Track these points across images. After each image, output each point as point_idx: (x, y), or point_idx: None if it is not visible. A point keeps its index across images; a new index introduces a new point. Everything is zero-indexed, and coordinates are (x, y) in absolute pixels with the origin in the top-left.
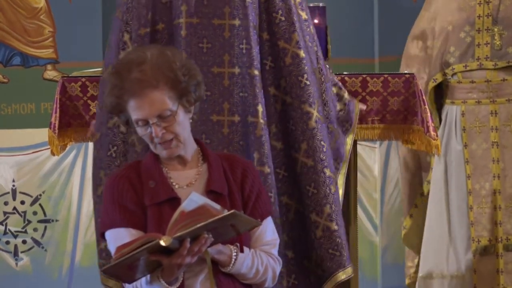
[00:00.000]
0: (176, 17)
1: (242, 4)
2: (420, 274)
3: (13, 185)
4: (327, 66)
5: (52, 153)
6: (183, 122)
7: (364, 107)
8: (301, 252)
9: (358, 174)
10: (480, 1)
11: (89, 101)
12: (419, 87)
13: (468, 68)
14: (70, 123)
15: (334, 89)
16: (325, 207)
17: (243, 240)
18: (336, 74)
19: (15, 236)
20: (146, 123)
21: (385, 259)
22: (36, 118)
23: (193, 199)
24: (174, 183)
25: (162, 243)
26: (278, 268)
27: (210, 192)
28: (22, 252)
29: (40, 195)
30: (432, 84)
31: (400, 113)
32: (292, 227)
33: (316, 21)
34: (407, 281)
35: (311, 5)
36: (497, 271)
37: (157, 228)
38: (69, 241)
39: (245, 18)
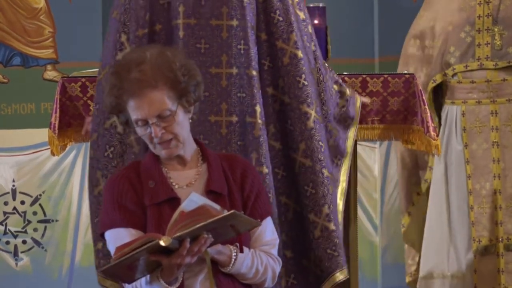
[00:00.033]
0: (173, 18)
1: (240, 4)
2: (421, 274)
3: (13, 185)
4: (326, 65)
5: (52, 153)
6: (183, 122)
7: (368, 100)
8: (299, 251)
9: (358, 174)
10: (480, 1)
11: (89, 101)
12: (419, 87)
13: (468, 68)
14: (70, 123)
15: (336, 87)
16: (324, 207)
17: (242, 240)
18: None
19: (15, 236)
20: (145, 123)
21: (385, 259)
22: (36, 118)
23: (192, 199)
24: (173, 183)
25: (162, 243)
26: (277, 268)
27: (209, 192)
28: (22, 252)
29: (40, 195)
30: (431, 85)
31: (400, 113)
32: (290, 227)
33: (316, 21)
34: (407, 279)
35: (311, 5)
36: (498, 271)
37: (156, 228)
38: (69, 241)
39: (243, 19)
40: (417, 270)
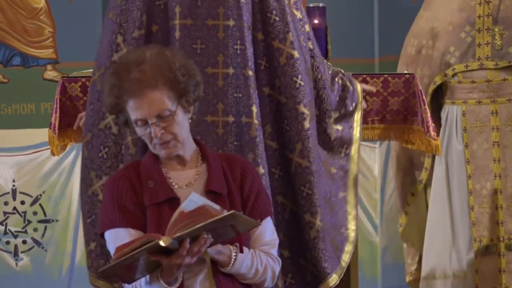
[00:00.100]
0: (170, 19)
1: (236, 4)
2: (422, 274)
3: (13, 185)
4: (325, 61)
5: (52, 153)
6: (182, 122)
7: (372, 88)
8: (297, 251)
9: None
10: (480, 1)
11: None
12: (419, 87)
13: (469, 68)
14: (70, 123)
15: (340, 81)
16: (319, 208)
17: (242, 240)
18: None
19: (15, 236)
20: (145, 123)
21: (385, 259)
22: (36, 118)
23: (192, 199)
24: (173, 183)
25: (162, 243)
26: (277, 268)
27: (209, 192)
28: (22, 252)
29: (40, 195)
30: (432, 87)
31: (400, 113)
32: (287, 227)
33: (316, 21)
34: (407, 278)
35: (311, 5)
36: (499, 271)
37: (156, 228)
38: (69, 241)
39: (239, 19)
40: (417, 269)
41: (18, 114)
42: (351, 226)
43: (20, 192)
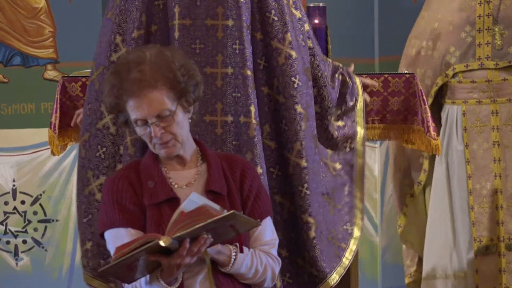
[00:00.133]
0: (169, 19)
1: (235, 4)
2: (423, 274)
3: (13, 185)
4: (326, 59)
5: (52, 153)
6: (182, 122)
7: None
8: (295, 251)
9: None
10: (480, 1)
11: None
12: (420, 87)
13: (469, 68)
14: (71, 123)
15: (340, 76)
16: None
17: (242, 240)
18: None
19: (15, 236)
20: (145, 123)
21: (385, 259)
22: (36, 118)
23: (192, 199)
24: (173, 183)
25: (162, 243)
26: (277, 268)
27: (209, 192)
28: (22, 252)
29: (41, 195)
30: (434, 88)
31: (400, 113)
32: (285, 226)
33: (316, 21)
34: (407, 280)
35: (311, 5)
36: (500, 271)
37: (156, 228)
38: (69, 241)
39: (239, 19)
40: (417, 271)
41: (18, 114)
42: (357, 220)
43: (20, 192)
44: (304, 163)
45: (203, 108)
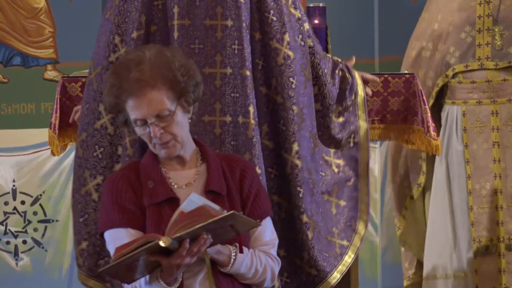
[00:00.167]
0: (169, 19)
1: (235, 4)
2: (424, 274)
3: (13, 185)
4: (327, 56)
5: (52, 153)
6: (182, 122)
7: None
8: (292, 251)
9: None
10: (480, 1)
11: None
12: (419, 87)
13: (469, 68)
14: (71, 123)
15: (340, 72)
16: None
17: (242, 240)
18: None
19: (15, 236)
20: (144, 122)
21: (385, 259)
22: (36, 118)
23: (192, 199)
24: (173, 183)
25: (162, 243)
26: (277, 268)
27: (209, 192)
28: (22, 252)
29: (40, 195)
30: (435, 89)
31: (400, 113)
32: (283, 226)
33: (316, 21)
34: (405, 283)
35: (311, 5)
36: (499, 271)
37: (156, 229)
38: (69, 241)
39: (238, 19)
40: (415, 273)
41: (18, 114)
42: (363, 215)
43: (20, 192)
44: (302, 164)
45: (202, 108)
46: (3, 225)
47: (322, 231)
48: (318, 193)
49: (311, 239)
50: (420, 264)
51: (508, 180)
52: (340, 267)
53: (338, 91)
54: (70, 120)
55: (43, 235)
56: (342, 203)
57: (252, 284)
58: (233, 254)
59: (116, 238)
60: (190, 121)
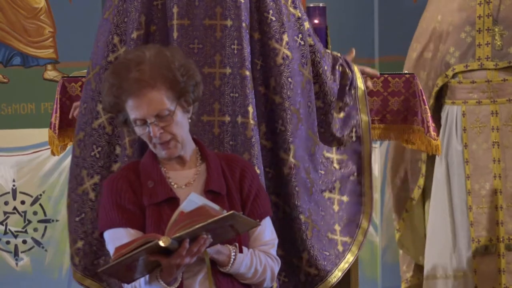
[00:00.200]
0: (168, 19)
1: (234, 4)
2: (424, 274)
3: (13, 185)
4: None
5: (52, 153)
6: (181, 122)
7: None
8: (290, 250)
9: None
10: (480, 1)
11: None
12: (419, 87)
13: (469, 68)
14: (71, 123)
15: (340, 68)
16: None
17: (242, 240)
18: None
19: (15, 236)
20: (144, 122)
21: (385, 259)
22: (36, 118)
23: (192, 199)
24: (172, 183)
25: (161, 243)
26: (276, 268)
27: (208, 192)
28: (22, 252)
29: (40, 195)
30: (435, 89)
31: (400, 113)
32: (281, 226)
33: (316, 21)
34: (403, 286)
35: (311, 5)
36: (499, 271)
37: (156, 229)
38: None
39: (237, 19)
40: (413, 276)
41: (18, 114)
42: (367, 209)
43: (20, 192)
44: (298, 164)
45: (201, 108)
46: (3, 225)
47: (322, 230)
48: (318, 192)
49: (311, 238)
50: (418, 267)
51: (508, 180)
52: (341, 265)
53: (339, 87)
54: (70, 116)
55: (43, 235)
56: (345, 198)
57: (252, 284)
58: (233, 254)
59: (116, 238)
60: (189, 121)
